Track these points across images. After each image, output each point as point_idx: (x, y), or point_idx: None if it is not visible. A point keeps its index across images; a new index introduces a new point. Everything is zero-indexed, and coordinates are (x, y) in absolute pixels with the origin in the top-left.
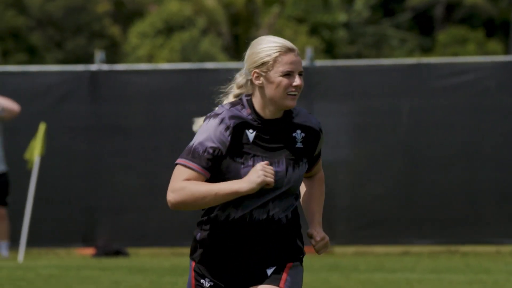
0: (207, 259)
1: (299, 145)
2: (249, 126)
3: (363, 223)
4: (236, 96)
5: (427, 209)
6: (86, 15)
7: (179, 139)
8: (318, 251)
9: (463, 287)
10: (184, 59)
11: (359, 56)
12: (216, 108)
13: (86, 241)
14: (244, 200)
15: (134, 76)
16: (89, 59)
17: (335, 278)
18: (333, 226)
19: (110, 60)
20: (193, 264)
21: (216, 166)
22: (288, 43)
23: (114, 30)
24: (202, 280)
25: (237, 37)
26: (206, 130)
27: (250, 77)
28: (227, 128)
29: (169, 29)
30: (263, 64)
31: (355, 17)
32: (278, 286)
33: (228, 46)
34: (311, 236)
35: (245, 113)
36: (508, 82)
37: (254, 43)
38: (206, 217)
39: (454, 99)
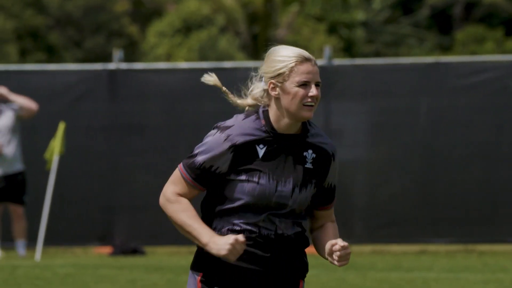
0: (215, 268)
1: (308, 165)
2: (260, 141)
3: (380, 222)
4: (250, 105)
5: (444, 208)
6: (104, 14)
7: (197, 138)
8: (340, 260)
9: (480, 287)
10: (202, 58)
11: (377, 55)
12: (232, 118)
13: (103, 240)
14: (245, 213)
15: (152, 75)
16: (108, 58)
17: (352, 277)
18: (350, 225)
19: (128, 59)
20: (199, 277)
21: (214, 181)
22: (305, 53)
23: (133, 29)
24: None
25: (256, 36)
26: (210, 144)
27: (266, 88)
28: (231, 146)
29: (187, 28)
30: (279, 74)
31: (374, 16)
32: None
33: (246, 45)
34: (332, 245)
35: (259, 124)
36: None
37: (269, 53)
38: (211, 225)
39: (472, 98)
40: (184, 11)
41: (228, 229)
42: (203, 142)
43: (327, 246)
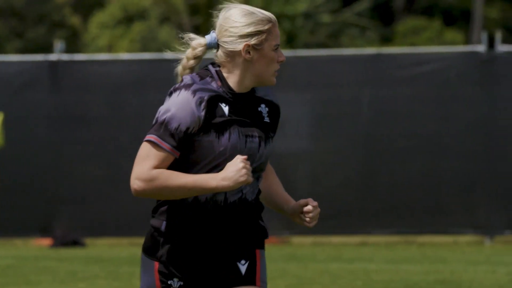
0: (175, 254)
1: (266, 119)
2: (221, 99)
3: (321, 214)
4: (189, 67)
5: (386, 200)
6: (47, 5)
7: (140, 128)
8: (312, 221)
9: (420, 277)
10: (144, 49)
11: (319, 46)
12: (184, 78)
13: (44, 232)
14: None
15: (94, 66)
16: (49, 49)
17: (293, 268)
18: None
19: (70, 50)
20: (156, 265)
21: (187, 144)
22: (271, 14)
23: (75, 20)
24: (170, 281)
25: (197, 27)
26: (179, 104)
27: (234, 50)
28: (201, 101)
29: (128, 19)
30: (257, 36)
31: (316, 7)
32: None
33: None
34: (305, 204)
35: (215, 85)
36: (468, 72)
37: (233, 13)
38: (170, 203)
39: (414, 89)
40: (125, 2)
41: (193, 201)
42: (167, 106)
43: (295, 206)
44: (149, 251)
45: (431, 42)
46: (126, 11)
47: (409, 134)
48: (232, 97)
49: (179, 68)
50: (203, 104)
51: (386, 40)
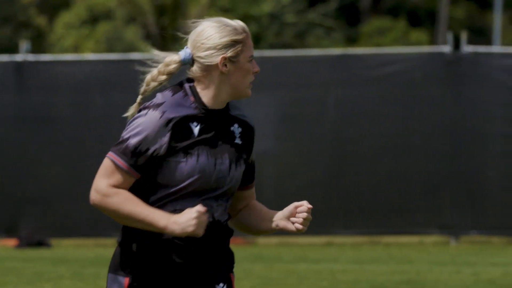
0: (147, 272)
1: (237, 140)
2: (193, 118)
3: None
4: (160, 82)
5: (351, 200)
6: (12, 5)
7: (106, 129)
8: (304, 223)
9: (386, 278)
10: (109, 49)
11: (285, 46)
12: (157, 96)
13: (9, 232)
14: (182, 200)
15: (60, 66)
16: (15, 50)
17: (259, 269)
18: None
19: (36, 50)
20: (127, 280)
21: (150, 166)
22: (244, 24)
23: (40, 20)
24: None
25: (164, 28)
26: (144, 123)
27: (210, 64)
28: (168, 123)
29: (94, 19)
30: (232, 48)
31: (282, 7)
32: None
33: (153, 37)
34: (297, 207)
35: (188, 101)
36: (434, 73)
37: (207, 26)
38: None
39: (380, 90)
40: (91, 2)
41: None
42: (133, 125)
43: (288, 209)
44: (117, 268)
45: (396, 43)
46: (92, 12)
47: (375, 135)
48: (205, 113)
49: (148, 78)
50: (169, 125)
51: (352, 40)
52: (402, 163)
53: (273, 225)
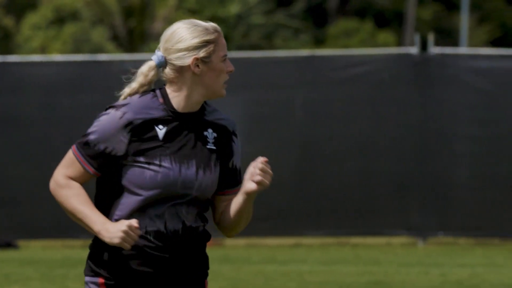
0: (121, 275)
1: (210, 146)
2: (159, 121)
3: (255, 216)
4: (139, 89)
5: (319, 201)
6: None
7: (73, 130)
8: (260, 179)
9: (354, 279)
10: (76, 50)
11: (253, 48)
12: (122, 98)
13: None
14: (150, 207)
15: (27, 67)
16: None
17: (227, 270)
18: None
19: (3, 51)
20: (101, 280)
21: (111, 166)
22: (216, 25)
23: (7, 21)
24: None
25: (131, 29)
26: (104, 123)
27: (183, 65)
28: (128, 124)
29: (61, 20)
30: (204, 49)
31: (249, 8)
32: None
33: (121, 38)
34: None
35: (156, 103)
36: (401, 74)
37: (177, 28)
38: None
39: (348, 91)
40: (57, 3)
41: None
42: (96, 121)
43: (246, 174)
44: (91, 270)
45: (363, 44)
46: (58, 12)
47: (342, 136)
48: (173, 116)
49: (125, 92)
50: (129, 127)
51: (319, 42)
52: (369, 164)
53: (240, 196)
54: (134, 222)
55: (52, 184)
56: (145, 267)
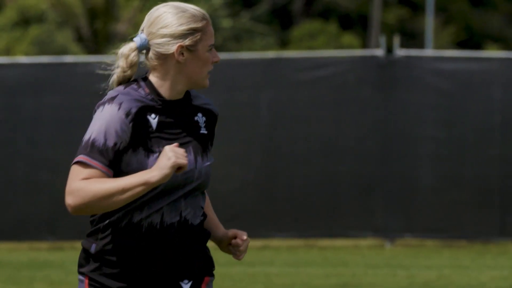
0: (106, 272)
1: (203, 130)
2: (150, 109)
3: (221, 218)
4: (127, 78)
5: (285, 203)
6: None
7: (37, 132)
8: (240, 254)
9: (321, 281)
10: (41, 52)
11: (219, 49)
12: (108, 92)
13: None
14: (150, 200)
15: None
16: None
17: None
18: None
19: None
20: (87, 279)
21: (118, 161)
22: (205, 11)
23: None
24: None
25: (96, 30)
26: (104, 119)
27: (166, 53)
28: (128, 113)
29: (26, 22)
30: (190, 37)
31: (214, 10)
32: None
33: (85, 40)
34: (233, 236)
35: (143, 93)
36: (367, 76)
37: (164, 12)
38: (102, 224)
39: (313, 93)
40: (22, 5)
41: (126, 224)
42: (92, 124)
43: (224, 237)
44: (80, 266)
45: (327, 46)
46: (23, 14)
47: (307, 137)
48: (162, 105)
49: (114, 80)
50: (130, 117)
51: (285, 44)
52: (334, 166)
53: (215, 239)
54: (172, 144)
55: (71, 199)
56: (136, 262)
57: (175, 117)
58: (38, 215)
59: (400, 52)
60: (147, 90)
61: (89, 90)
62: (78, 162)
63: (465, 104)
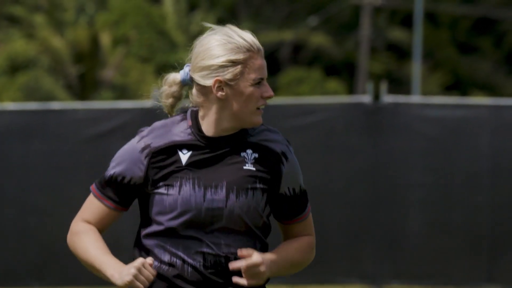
0: None
1: (248, 166)
2: (183, 146)
3: None
4: (170, 107)
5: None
6: None
7: (25, 178)
8: (247, 277)
9: None
10: (28, 98)
11: None
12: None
13: None
14: (168, 239)
15: None
16: None
17: None
18: None
19: None
20: None
21: (133, 197)
22: (257, 41)
23: None
24: None
25: (83, 76)
26: (123, 151)
27: (205, 85)
28: (144, 149)
29: (14, 68)
30: (230, 69)
31: None
32: None
33: (72, 86)
34: (242, 256)
35: (184, 126)
36: (354, 123)
37: (209, 39)
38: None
39: (301, 140)
40: (11, 52)
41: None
42: (117, 152)
43: (242, 251)
44: None
45: (313, 92)
46: (12, 61)
47: None
48: (200, 140)
49: (164, 107)
50: (146, 152)
51: (273, 90)
52: (322, 212)
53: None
54: (148, 259)
55: (68, 238)
56: None
57: (213, 153)
58: (26, 261)
59: (388, 98)
60: (190, 123)
61: (77, 136)
62: (91, 192)
63: (453, 150)
